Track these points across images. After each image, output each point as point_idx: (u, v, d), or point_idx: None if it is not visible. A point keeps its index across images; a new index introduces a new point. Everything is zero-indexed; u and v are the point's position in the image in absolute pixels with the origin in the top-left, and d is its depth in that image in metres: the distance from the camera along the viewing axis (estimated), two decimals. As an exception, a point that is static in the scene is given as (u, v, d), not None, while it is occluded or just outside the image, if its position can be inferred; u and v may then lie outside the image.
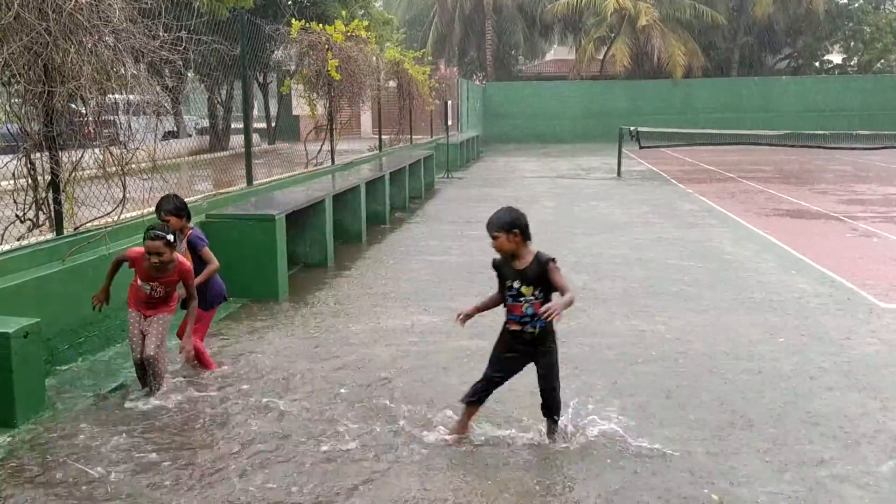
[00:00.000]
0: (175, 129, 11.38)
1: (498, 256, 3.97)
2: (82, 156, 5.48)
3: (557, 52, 47.25)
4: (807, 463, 3.74)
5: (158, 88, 5.85)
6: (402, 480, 3.61)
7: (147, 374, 4.59)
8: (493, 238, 3.86)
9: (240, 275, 6.83)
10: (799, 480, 3.58)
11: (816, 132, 20.88)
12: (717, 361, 5.18)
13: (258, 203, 7.79)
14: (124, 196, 5.74)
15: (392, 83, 17.08)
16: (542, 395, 3.94)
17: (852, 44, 37.41)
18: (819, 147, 20.79)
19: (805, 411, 4.34)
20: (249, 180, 8.53)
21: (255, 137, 20.17)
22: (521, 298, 3.81)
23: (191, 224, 5.08)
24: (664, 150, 23.34)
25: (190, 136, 14.01)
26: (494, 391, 4.04)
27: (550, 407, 3.94)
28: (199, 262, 4.94)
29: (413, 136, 18.84)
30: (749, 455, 3.83)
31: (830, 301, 6.69)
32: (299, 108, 13.35)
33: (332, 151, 12.08)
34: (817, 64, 38.99)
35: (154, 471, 3.69)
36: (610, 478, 3.61)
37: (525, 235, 3.87)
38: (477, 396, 4.01)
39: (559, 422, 3.99)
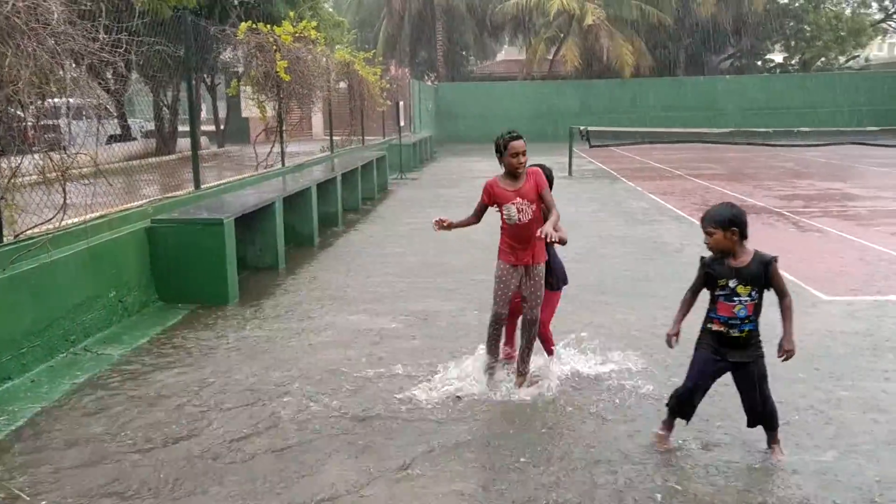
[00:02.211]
0: (119, 132, 11.11)
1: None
2: (21, 161, 5.31)
3: (508, 53, 47.62)
4: (747, 442, 3.84)
5: (100, 91, 5.70)
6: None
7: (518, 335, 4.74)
8: (708, 234, 3.69)
9: (188, 280, 6.74)
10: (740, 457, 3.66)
11: (760, 129, 21.39)
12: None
13: (206, 207, 7.66)
14: (64, 202, 5.59)
15: (343, 84, 16.97)
16: (752, 407, 3.74)
17: (793, 43, 38.52)
18: (762, 144, 21.32)
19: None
20: (197, 184, 8.38)
21: (204, 140, 19.85)
22: (735, 298, 3.63)
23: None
24: (614, 149, 23.68)
25: (135, 139, 13.69)
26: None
27: (768, 417, 3.76)
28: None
29: (365, 138, 18.75)
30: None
31: (772, 294, 6.85)
32: (248, 109, 13.17)
33: (283, 153, 11.95)
34: (759, 63, 40.05)
35: None
36: None
37: (743, 234, 3.68)
38: (682, 410, 3.82)
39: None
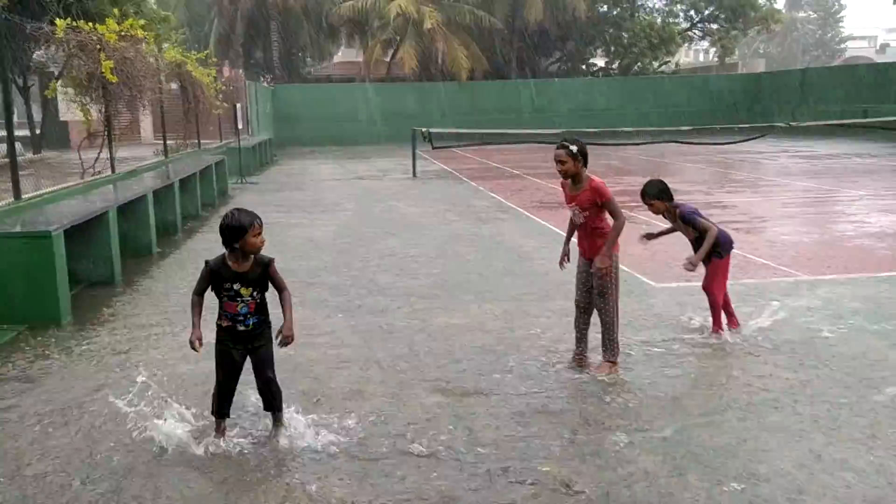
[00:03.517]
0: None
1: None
2: None
3: (345, 54, 47.38)
4: (600, 435, 4.09)
5: None
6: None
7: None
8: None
9: (14, 299, 6.18)
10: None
11: (587, 130, 22.72)
12: (520, 342, 5.51)
13: (31, 219, 7.05)
14: None
15: (174, 85, 16.17)
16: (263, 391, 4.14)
17: (612, 48, 41.25)
18: (590, 143, 22.59)
19: (600, 386, 4.75)
20: (17, 194, 7.68)
21: (17, 146, 18.18)
22: (239, 299, 3.96)
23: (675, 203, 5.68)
24: (455, 150, 24.23)
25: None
26: None
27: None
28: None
29: (201, 141, 17.97)
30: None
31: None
32: (70, 113, 12.24)
33: (112, 159, 11.21)
34: (584, 66, 42.53)
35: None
36: (431, 470, 3.71)
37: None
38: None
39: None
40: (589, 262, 4.99)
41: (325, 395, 4.68)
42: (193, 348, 3.87)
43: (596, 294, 5.00)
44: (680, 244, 6.13)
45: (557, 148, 4.87)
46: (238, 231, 3.84)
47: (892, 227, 10.25)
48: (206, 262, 3.98)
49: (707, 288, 5.67)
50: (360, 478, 3.66)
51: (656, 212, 5.57)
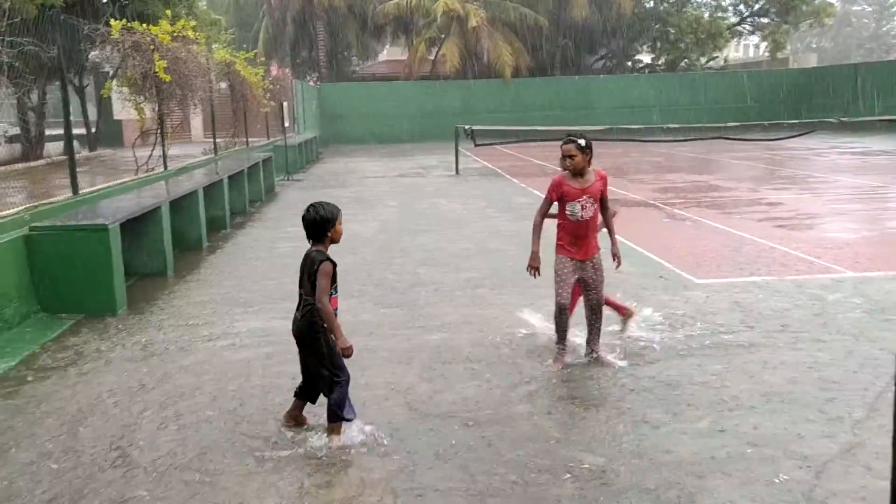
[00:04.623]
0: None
1: None
2: None
3: (390, 53, 47.70)
4: (643, 425, 4.15)
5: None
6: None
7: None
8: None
9: (73, 289, 6.48)
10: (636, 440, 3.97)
11: (631, 126, 22.55)
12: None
13: (88, 213, 7.36)
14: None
15: (224, 85, 16.57)
16: None
17: (658, 44, 40.74)
18: (634, 140, 22.49)
19: (645, 377, 4.80)
20: (75, 189, 8.02)
21: (74, 144, 18.88)
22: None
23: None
24: (498, 147, 24.27)
25: (-1, 144, 12.88)
26: None
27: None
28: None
29: (249, 139, 18.38)
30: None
31: (652, 279, 7.36)
32: (124, 111, 12.67)
33: (164, 156, 11.58)
34: (629, 63, 42.10)
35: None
36: (468, 456, 3.82)
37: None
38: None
39: None
40: (582, 262, 4.97)
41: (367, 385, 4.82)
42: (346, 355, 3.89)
43: (595, 291, 5.05)
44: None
45: (566, 143, 4.92)
46: (330, 221, 3.95)
47: (945, 224, 10.00)
48: (330, 260, 3.88)
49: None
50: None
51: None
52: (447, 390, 4.71)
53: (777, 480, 3.52)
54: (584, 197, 4.93)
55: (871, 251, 8.46)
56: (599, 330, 5.17)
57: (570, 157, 4.90)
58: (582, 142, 4.90)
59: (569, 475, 3.62)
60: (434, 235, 10.20)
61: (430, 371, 5.05)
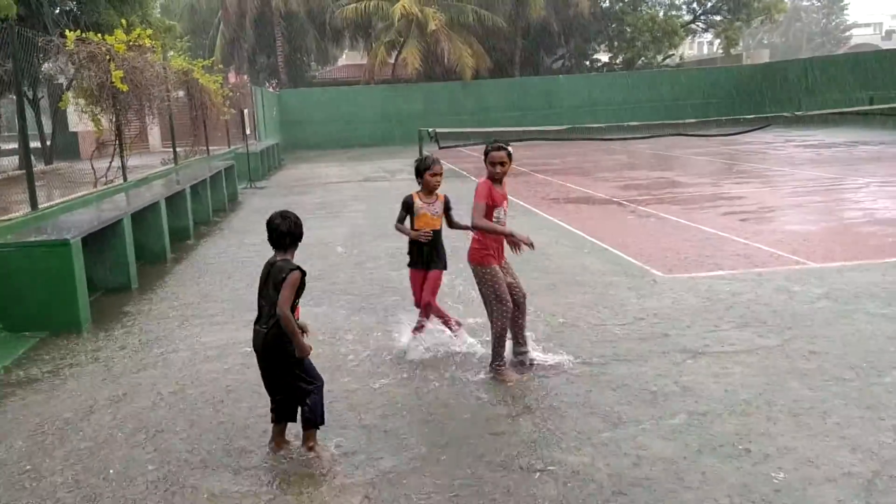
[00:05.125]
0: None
1: None
2: None
3: (350, 57, 47.57)
4: (618, 422, 4.18)
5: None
6: None
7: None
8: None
9: (35, 306, 6.32)
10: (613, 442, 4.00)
11: (593, 125, 22.79)
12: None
13: (49, 228, 7.19)
14: None
15: (181, 93, 16.33)
16: None
17: (616, 43, 41.24)
18: (596, 139, 22.72)
19: (617, 375, 4.84)
20: (34, 204, 7.82)
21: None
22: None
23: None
24: (462, 150, 24.33)
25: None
26: None
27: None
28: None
29: (210, 148, 18.13)
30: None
31: (620, 276, 7.43)
32: (81, 123, 12.41)
33: (124, 167, 11.37)
34: (587, 62, 42.54)
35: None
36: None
37: None
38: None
39: None
40: (500, 266, 4.99)
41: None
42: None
43: (519, 288, 5.10)
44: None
45: (496, 150, 4.87)
46: (300, 228, 3.93)
47: (900, 213, 10.28)
48: (300, 269, 3.81)
49: (429, 300, 5.49)
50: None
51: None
52: (423, 393, 4.70)
53: (752, 476, 3.58)
54: (505, 203, 4.98)
55: (832, 242, 8.67)
56: (525, 327, 5.19)
57: (501, 163, 4.87)
58: (510, 149, 4.92)
59: (546, 474, 3.63)
60: (403, 240, 10.14)
61: (404, 374, 5.02)
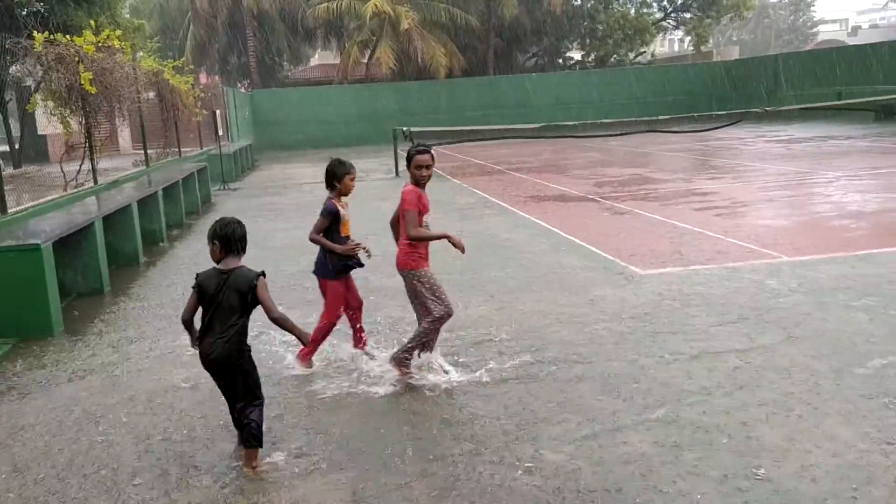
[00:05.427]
0: None
1: None
2: None
3: (322, 57, 47.32)
4: (597, 418, 4.20)
5: None
6: None
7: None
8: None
9: (6, 312, 6.21)
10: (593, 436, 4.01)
11: (566, 123, 22.88)
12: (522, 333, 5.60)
13: (19, 232, 7.05)
14: None
15: (152, 94, 16.13)
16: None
17: (588, 41, 41.49)
18: (570, 136, 22.83)
19: (598, 372, 4.86)
20: (3, 208, 7.67)
21: (-1, 161, 18.12)
22: None
23: None
24: (436, 148, 24.32)
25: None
26: None
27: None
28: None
29: (182, 149, 17.93)
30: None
31: (597, 273, 7.47)
32: (50, 126, 12.20)
33: (94, 170, 11.19)
34: (561, 60, 42.74)
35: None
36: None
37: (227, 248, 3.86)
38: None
39: None
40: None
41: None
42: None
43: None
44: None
45: (422, 154, 4.76)
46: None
47: (868, 206, 10.45)
48: (262, 274, 3.83)
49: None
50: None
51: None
52: (401, 393, 4.68)
53: (733, 469, 3.61)
54: (429, 211, 4.93)
55: (804, 236, 8.79)
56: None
57: (427, 167, 4.78)
58: (434, 152, 4.85)
59: (526, 472, 3.64)
60: (382, 240, 10.10)
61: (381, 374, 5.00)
